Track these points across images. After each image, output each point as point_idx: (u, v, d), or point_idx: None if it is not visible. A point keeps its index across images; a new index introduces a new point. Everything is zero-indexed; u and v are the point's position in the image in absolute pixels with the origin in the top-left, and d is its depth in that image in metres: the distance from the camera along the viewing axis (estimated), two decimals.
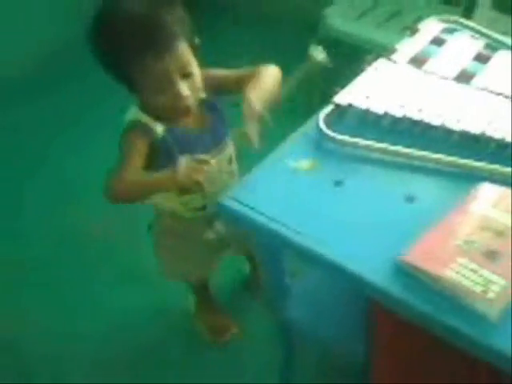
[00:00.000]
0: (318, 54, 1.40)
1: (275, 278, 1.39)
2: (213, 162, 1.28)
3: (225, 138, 1.45)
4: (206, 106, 1.43)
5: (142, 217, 1.69)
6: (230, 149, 1.47)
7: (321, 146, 1.26)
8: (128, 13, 1.27)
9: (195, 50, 1.33)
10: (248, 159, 1.37)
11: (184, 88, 1.29)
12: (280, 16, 2.36)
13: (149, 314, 1.96)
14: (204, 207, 1.50)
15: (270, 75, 1.38)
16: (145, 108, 1.37)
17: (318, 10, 2.45)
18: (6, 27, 2.83)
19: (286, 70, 1.43)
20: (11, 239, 2.24)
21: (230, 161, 1.48)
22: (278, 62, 1.44)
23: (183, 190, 1.40)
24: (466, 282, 0.97)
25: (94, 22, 1.30)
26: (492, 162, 1.17)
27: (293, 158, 1.23)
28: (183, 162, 1.26)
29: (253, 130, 1.23)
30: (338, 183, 1.18)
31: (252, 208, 1.14)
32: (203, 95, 1.40)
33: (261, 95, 1.28)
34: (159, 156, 1.36)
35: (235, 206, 1.15)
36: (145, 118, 1.35)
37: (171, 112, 1.34)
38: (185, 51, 1.28)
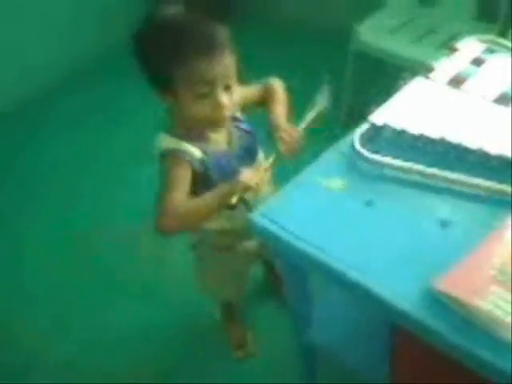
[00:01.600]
0: (322, 103, 1.39)
1: (300, 299, 1.37)
2: (261, 169, 1.31)
3: (257, 153, 1.48)
4: (235, 124, 1.44)
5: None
6: (262, 160, 1.47)
7: (354, 165, 1.24)
8: (181, 18, 1.29)
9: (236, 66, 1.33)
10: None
11: (225, 98, 1.29)
12: (313, 29, 2.36)
13: (171, 331, 1.97)
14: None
15: (282, 92, 1.48)
16: (175, 128, 1.36)
17: (351, 24, 2.43)
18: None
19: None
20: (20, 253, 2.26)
21: (266, 171, 1.43)
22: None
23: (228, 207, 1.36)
24: (499, 313, 0.95)
25: (143, 27, 1.31)
26: None
27: (325, 177, 1.22)
28: (245, 171, 1.28)
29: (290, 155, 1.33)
30: (369, 204, 1.16)
31: (282, 226, 1.13)
32: (237, 113, 1.42)
33: (286, 117, 1.38)
34: (198, 180, 1.35)
35: (265, 223, 1.14)
36: (180, 144, 1.34)
37: (206, 122, 1.33)
38: (231, 63, 1.30)
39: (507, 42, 1.54)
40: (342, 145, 1.29)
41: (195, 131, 1.36)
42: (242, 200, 1.33)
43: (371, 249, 1.08)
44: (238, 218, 1.44)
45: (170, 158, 1.33)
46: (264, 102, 1.48)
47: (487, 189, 1.15)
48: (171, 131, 1.37)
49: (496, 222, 1.08)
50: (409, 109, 1.31)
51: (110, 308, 2.04)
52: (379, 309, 1.07)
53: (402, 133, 1.26)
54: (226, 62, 1.28)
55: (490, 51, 1.50)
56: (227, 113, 1.32)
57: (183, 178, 1.32)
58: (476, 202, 1.15)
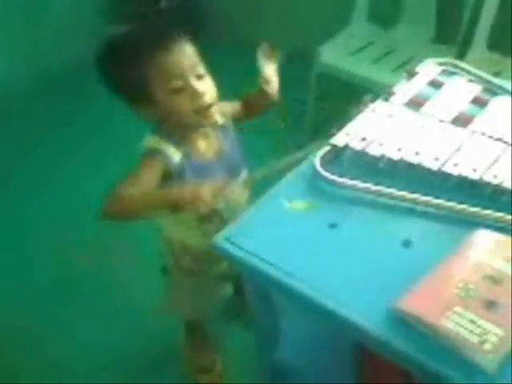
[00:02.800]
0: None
1: (265, 319, 1.36)
2: (233, 186, 1.30)
3: (240, 165, 1.46)
4: (221, 132, 1.44)
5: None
6: (244, 175, 1.46)
7: (316, 187, 1.24)
8: (140, 33, 1.35)
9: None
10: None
11: (199, 85, 1.30)
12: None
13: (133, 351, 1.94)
14: None
15: None
16: (161, 130, 1.36)
17: (313, 47, 2.47)
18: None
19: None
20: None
21: (245, 185, 1.46)
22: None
23: (203, 218, 1.41)
24: (462, 332, 0.95)
25: (104, 49, 1.33)
26: (489, 208, 1.16)
27: (288, 199, 1.22)
28: (207, 184, 1.24)
29: (271, 71, 1.45)
30: (332, 225, 1.17)
31: (245, 249, 1.12)
32: (220, 121, 1.43)
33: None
34: (176, 182, 1.35)
35: (229, 247, 1.14)
36: (163, 145, 1.34)
37: (189, 116, 1.32)
38: (194, 52, 1.32)
39: (464, 65, 1.58)
40: (304, 166, 1.30)
41: (180, 134, 1.36)
42: (215, 212, 1.35)
43: (335, 270, 1.09)
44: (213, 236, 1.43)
45: (145, 157, 1.33)
46: (251, 104, 1.52)
47: (447, 208, 1.17)
48: (157, 132, 1.37)
49: (457, 241, 1.10)
50: (369, 131, 1.32)
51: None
52: (344, 329, 1.08)
53: (362, 154, 1.28)
54: (189, 52, 1.30)
55: (448, 74, 1.54)
56: (208, 99, 1.32)
57: (147, 180, 1.30)
58: (437, 221, 1.17)
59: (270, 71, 1.47)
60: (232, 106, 1.51)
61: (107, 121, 2.78)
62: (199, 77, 1.31)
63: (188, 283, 1.62)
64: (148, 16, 1.50)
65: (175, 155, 1.34)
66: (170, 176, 1.34)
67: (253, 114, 1.54)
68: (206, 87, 1.32)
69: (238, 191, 1.39)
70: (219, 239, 1.15)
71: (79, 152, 2.71)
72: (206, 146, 1.41)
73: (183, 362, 1.88)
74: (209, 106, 1.33)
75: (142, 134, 1.38)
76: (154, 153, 1.33)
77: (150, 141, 1.36)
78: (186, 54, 1.29)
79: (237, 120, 1.50)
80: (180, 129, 1.35)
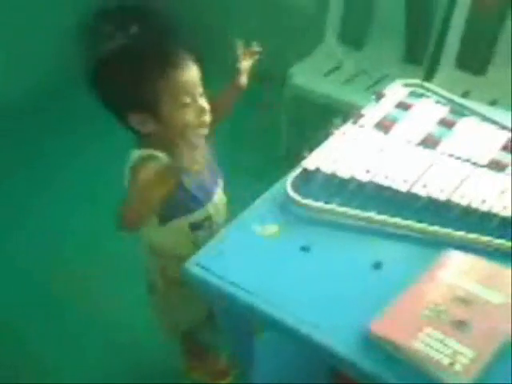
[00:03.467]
0: None
1: (240, 343, 1.36)
2: (216, 196, 1.45)
3: (218, 173, 1.51)
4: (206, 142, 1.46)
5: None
6: (221, 180, 1.52)
7: (288, 211, 1.25)
8: (142, 40, 1.39)
9: None
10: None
11: (203, 102, 1.37)
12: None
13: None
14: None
15: None
16: (149, 143, 1.38)
17: (284, 69, 2.49)
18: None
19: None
20: None
21: (224, 190, 1.54)
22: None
23: (194, 226, 1.45)
24: (433, 354, 0.96)
25: (107, 56, 1.36)
26: (458, 228, 1.17)
27: (259, 223, 1.23)
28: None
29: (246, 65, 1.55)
30: (304, 249, 1.17)
31: (217, 275, 1.12)
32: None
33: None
34: (174, 191, 1.34)
35: (200, 272, 1.13)
36: (153, 152, 1.36)
37: (194, 129, 1.36)
38: (198, 72, 1.37)
39: (431, 86, 1.60)
40: (276, 190, 1.31)
41: (172, 144, 1.33)
42: (206, 218, 1.42)
43: (307, 294, 1.09)
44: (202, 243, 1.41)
45: (137, 165, 1.35)
46: (221, 103, 1.55)
47: (416, 229, 1.19)
48: (142, 145, 1.39)
49: (427, 262, 1.11)
50: (339, 153, 1.34)
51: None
52: (317, 352, 1.08)
53: (333, 177, 1.29)
54: (195, 69, 1.36)
55: (416, 96, 1.56)
56: (208, 118, 1.38)
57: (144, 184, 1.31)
58: (406, 242, 1.18)
59: (245, 65, 1.56)
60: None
61: (77, 146, 2.81)
62: (201, 94, 1.37)
63: (176, 295, 1.61)
64: (119, 40, 1.52)
65: (163, 157, 1.36)
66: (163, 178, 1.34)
67: (222, 114, 1.56)
68: (203, 99, 1.38)
69: (220, 196, 1.49)
70: (190, 265, 1.15)
71: (55, 177, 2.70)
72: (196, 155, 1.39)
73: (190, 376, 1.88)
74: (208, 123, 1.39)
75: (119, 156, 1.39)
76: (146, 159, 1.35)
77: (138, 153, 1.38)
78: (194, 72, 1.35)
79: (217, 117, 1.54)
80: (173, 140, 1.34)
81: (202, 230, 1.46)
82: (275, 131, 2.59)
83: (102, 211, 2.42)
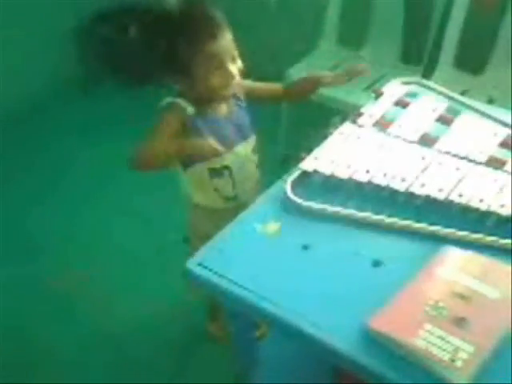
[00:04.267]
0: None
1: (243, 343, 1.37)
2: (240, 149, 1.56)
3: (249, 130, 1.62)
4: (235, 100, 1.59)
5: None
6: (253, 140, 1.63)
7: (288, 210, 1.26)
8: (179, 8, 1.45)
9: None
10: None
11: (233, 68, 1.48)
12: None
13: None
14: (235, 197, 1.62)
15: None
16: (185, 95, 1.52)
17: (282, 68, 2.50)
18: None
19: None
20: None
21: (254, 151, 1.63)
22: None
23: (214, 172, 1.56)
24: (433, 350, 0.97)
25: (143, 20, 1.47)
26: (456, 227, 1.18)
27: (260, 222, 1.23)
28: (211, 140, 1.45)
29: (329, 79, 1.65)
30: (304, 247, 1.18)
31: (219, 274, 1.13)
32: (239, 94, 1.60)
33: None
34: (189, 136, 1.50)
35: (202, 271, 1.14)
36: (177, 99, 1.51)
37: (219, 91, 1.50)
38: (231, 37, 1.48)
39: (429, 83, 1.61)
40: (276, 190, 1.31)
41: (200, 97, 1.51)
42: (226, 167, 1.55)
43: (308, 292, 1.10)
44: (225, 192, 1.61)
45: (163, 111, 1.51)
46: (284, 96, 1.72)
47: (416, 228, 1.19)
48: (173, 94, 1.53)
49: (426, 259, 1.12)
50: (338, 154, 1.35)
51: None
52: (319, 351, 1.09)
53: (331, 177, 1.30)
54: (229, 38, 1.47)
55: (413, 93, 1.57)
56: (236, 81, 1.50)
57: (169, 126, 1.49)
58: (405, 240, 1.19)
59: (328, 79, 1.64)
60: (252, 86, 1.65)
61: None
62: (233, 59, 1.48)
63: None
64: (118, 45, 1.57)
65: (189, 108, 1.50)
66: (185, 129, 1.50)
67: (291, 97, 1.77)
68: (237, 68, 1.49)
69: (245, 152, 1.59)
70: (192, 264, 1.16)
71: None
72: (219, 106, 1.56)
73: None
74: (232, 86, 1.51)
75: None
76: (170, 106, 1.51)
77: (169, 99, 1.53)
78: (227, 40, 1.46)
79: (264, 97, 1.70)
80: (202, 94, 1.51)
81: (223, 179, 1.57)
82: (274, 131, 2.60)
83: (102, 214, 2.49)
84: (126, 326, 2.08)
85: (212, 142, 1.44)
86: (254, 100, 1.64)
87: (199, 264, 1.15)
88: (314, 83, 1.67)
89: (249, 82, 1.63)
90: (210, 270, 1.14)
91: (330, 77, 1.64)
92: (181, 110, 1.50)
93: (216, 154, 1.46)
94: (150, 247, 2.33)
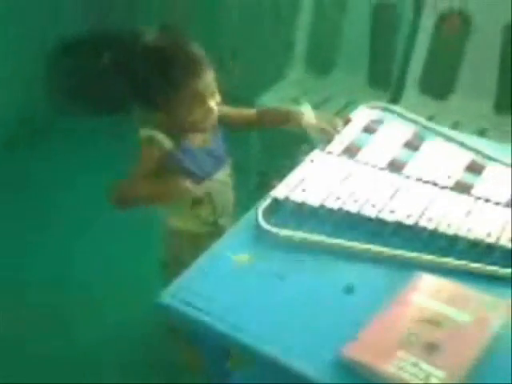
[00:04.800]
0: None
1: (217, 375, 1.35)
2: (218, 176, 1.59)
3: (225, 156, 1.65)
4: (211, 129, 1.60)
5: None
6: (229, 165, 1.66)
7: (261, 239, 1.26)
8: (169, 42, 1.47)
9: None
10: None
11: (212, 103, 1.50)
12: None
13: None
14: (215, 222, 1.64)
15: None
16: (161, 126, 1.53)
17: (253, 95, 2.52)
18: None
19: None
20: None
21: (230, 175, 1.67)
22: None
23: (195, 201, 1.59)
24: (406, 377, 0.97)
25: (133, 52, 1.47)
26: (427, 251, 1.20)
27: (233, 252, 1.23)
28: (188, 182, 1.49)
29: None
30: (278, 276, 1.18)
31: (192, 305, 1.12)
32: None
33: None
34: (167, 170, 1.53)
35: (175, 303, 1.13)
36: (157, 134, 1.52)
37: (198, 125, 1.52)
38: (213, 74, 1.50)
39: (396, 108, 1.64)
40: (248, 218, 1.32)
41: (178, 130, 1.54)
42: (206, 195, 1.58)
43: (282, 322, 1.10)
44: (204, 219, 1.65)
45: (144, 146, 1.53)
46: (257, 123, 1.73)
47: (386, 254, 1.21)
48: (151, 124, 1.54)
49: (398, 285, 1.13)
50: (308, 181, 1.36)
51: None
52: (293, 380, 1.08)
53: (302, 205, 1.31)
54: (212, 76, 1.49)
55: (381, 119, 1.60)
56: (215, 116, 1.52)
57: (148, 162, 1.52)
58: (377, 267, 1.20)
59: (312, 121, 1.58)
60: (227, 112, 1.65)
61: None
62: (213, 93, 1.50)
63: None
64: (92, 72, 1.58)
65: (166, 142, 1.52)
66: (163, 163, 1.52)
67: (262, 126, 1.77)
68: (215, 102, 1.51)
69: (223, 178, 1.62)
70: (165, 296, 1.15)
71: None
72: (195, 137, 1.58)
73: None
74: (214, 122, 1.55)
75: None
76: (149, 141, 1.52)
77: (143, 131, 1.54)
78: (210, 77, 1.48)
79: (239, 125, 1.72)
80: (181, 127, 1.53)
81: (203, 206, 1.61)
82: (246, 158, 2.62)
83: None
84: (91, 351, 2.06)
85: (187, 185, 1.48)
86: (226, 126, 1.65)
87: (172, 296, 1.15)
88: (295, 124, 1.61)
89: (222, 108, 1.64)
90: (183, 301, 1.13)
91: (313, 128, 1.57)
92: (159, 144, 1.51)
93: (191, 194, 1.51)
94: (126, 273, 2.31)
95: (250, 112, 1.72)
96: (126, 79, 1.50)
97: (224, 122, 1.64)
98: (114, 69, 1.51)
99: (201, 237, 1.61)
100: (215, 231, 1.59)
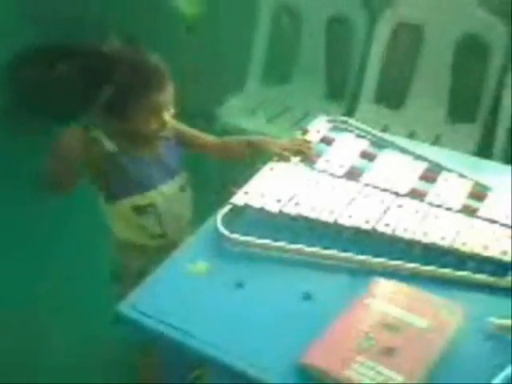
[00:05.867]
0: None
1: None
2: (165, 187, 1.55)
3: (177, 168, 1.60)
4: (163, 140, 1.58)
5: None
6: (181, 179, 1.61)
7: (219, 247, 1.26)
8: (129, 53, 1.46)
9: None
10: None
11: (167, 116, 1.49)
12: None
13: None
14: (163, 235, 1.59)
15: None
16: (108, 132, 1.50)
17: (211, 106, 2.53)
18: None
19: None
20: None
21: (182, 189, 1.61)
22: None
23: (137, 210, 1.54)
24: (365, 381, 0.98)
25: (94, 60, 1.44)
26: (385, 256, 1.21)
27: (191, 261, 1.23)
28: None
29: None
30: (237, 284, 1.18)
31: (150, 316, 1.12)
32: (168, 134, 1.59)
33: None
34: (111, 172, 1.50)
35: (133, 313, 1.12)
36: (99, 134, 1.49)
37: (149, 135, 1.52)
38: (173, 88, 1.49)
39: (352, 121, 1.67)
40: (207, 227, 1.32)
41: (127, 138, 1.52)
42: (151, 205, 1.53)
43: (241, 329, 1.10)
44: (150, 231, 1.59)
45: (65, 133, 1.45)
46: (218, 154, 1.71)
47: (343, 259, 1.22)
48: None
49: (356, 291, 1.14)
50: (268, 188, 1.37)
51: None
52: None
53: (261, 211, 1.31)
54: (172, 89, 1.49)
55: (337, 130, 1.62)
56: (168, 128, 1.52)
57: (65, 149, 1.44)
58: (334, 272, 1.22)
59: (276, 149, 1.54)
60: (184, 131, 1.64)
61: None
62: (167, 105, 1.49)
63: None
64: (45, 83, 1.56)
65: (108, 143, 1.49)
66: (105, 165, 1.50)
67: (224, 156, 1.73)
68: (169, 115, 1.50)
69: (172, 190, 1.57)
70: (123, 307, 1.14)
71: None
72: (144, 145, 1.55)
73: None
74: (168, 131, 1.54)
75: None
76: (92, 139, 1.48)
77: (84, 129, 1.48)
78: (171, 92, 1.48)
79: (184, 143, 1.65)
80: (130, 135, 1.51)
81: (147, 217, 1.55)
82: (206, 168, 2.61)
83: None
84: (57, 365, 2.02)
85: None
86: (181, 144, 1.63)
87: (131, 306, 1.14)
88: (261, 149, 1.58)
89: (182, 127, 1.64)
90: (142, 312, 1.13)
91: (278, 148, 1.54)
92: (97, 144, 1.48)
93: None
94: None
95: (211, 139, 1.68)
96: (85, 86, 1.45)
97: (180, 139, 1.62)
98: (72, 78, 1.49)
99: (149, 249, 1.59)
100: (164, 245, 1.54)
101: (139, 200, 1.53)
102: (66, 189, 1.49)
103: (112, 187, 1.53)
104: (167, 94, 1.47)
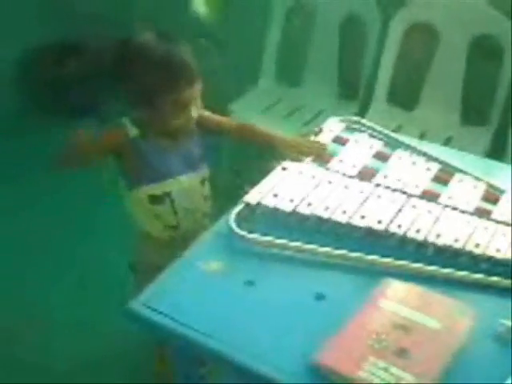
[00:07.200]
0: None
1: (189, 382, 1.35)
2: (183, 178, 1.57)
3: (199, 162, 1.62)
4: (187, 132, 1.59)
5: None
6: (203, 172, 1.63)
7: (231, 246, 1.26)
8: (157, 50, 1.48)
9: None
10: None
11: (194, 111, 1.52)
12: None
13: None
14: (177, 227, 1.60)
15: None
16: (135, 120, 1.54)
17: (225, 103, 2.53)
18: None
19: None
20: None
21: (202, 183, 1.63)
22: None
23: (154, 198, 1.57)
24: (377, 382, 0.98)
25: (127, 52, 1.49)
26: (396, 257, 1.21)
27: (203, 260, 1.23)
28: None
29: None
30: (249, 283, 1.19)
31: (163, 313, 1.12)
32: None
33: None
34: (131, 158, 1.53)
35: (145, 312, 1.13)
36: (125, 120, 1.53)
37: (176, 129, 1.53)
38: (201, 84, 1.51)
39: (365, 121, 1.66)
40: (219, 225, 1.32)
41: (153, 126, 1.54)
42: (167, 195, 1.55)
43: (253, 328, 1.10)
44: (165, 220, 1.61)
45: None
46: (239, 136, 1.71)
47: (356, 259, 1.22)
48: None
49: (368, 291, 1.14)
50: (280, 188, 1.37)
51: None
52: None
53: (275, 211, 1.32)
54: (200, 86, 1.50)
55: (351, 130, 1.62)
56: (193, 121, 1.55)
57: (103, 139, 1.54)
58: (347, 272, 1.22)
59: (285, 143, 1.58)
60: (207, 117, 1.65)
61: None
62: (195, 101, 1.51)
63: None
64: (57, 80, 1.58)
65: (133, 129, 1.52)
66: (127, 150, 1.52)
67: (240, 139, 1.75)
68: (196, 110, 1.53)
69: (191, 182, 1.59)
70: (136, 304, 1.14)
71: None
72: (167, 137, 1.57)
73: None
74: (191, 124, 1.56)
75: None
76: (116, 125, 1.54)
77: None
78: (199, 88, 1.50)
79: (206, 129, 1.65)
80: (157, 127, 1.54)
81: (163, 206, 1.57)
82: (218, 166, 2.62)
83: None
84: (68, 364, 2.01)
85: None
86: (201, 128, 1.64)
87: (143, 304, 1.14)
88: (272, 146, 1.61)
89: (203, 112, 1.64)
90: (154, 309, 1.13)
91: (294, 151, 1.55)
92: (124, 129, 1.52)
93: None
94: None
95: (229, 121, 1.73)
96: (114, 80, 1.51)
97: (200, 125, 1.63)
98: (98, 71, 1.51)
99: (163, 242, 1.61)
100: (177, 237, 1.58)
101: (156, 188, 1.55)
102: (73, 169, 1.58)
103: (131, 174, 1.55)
104: (196, 90, 1.49)
